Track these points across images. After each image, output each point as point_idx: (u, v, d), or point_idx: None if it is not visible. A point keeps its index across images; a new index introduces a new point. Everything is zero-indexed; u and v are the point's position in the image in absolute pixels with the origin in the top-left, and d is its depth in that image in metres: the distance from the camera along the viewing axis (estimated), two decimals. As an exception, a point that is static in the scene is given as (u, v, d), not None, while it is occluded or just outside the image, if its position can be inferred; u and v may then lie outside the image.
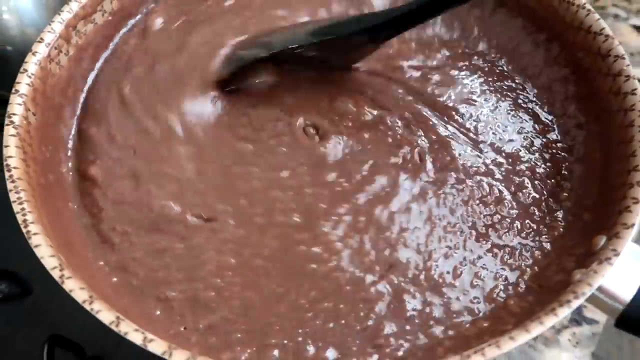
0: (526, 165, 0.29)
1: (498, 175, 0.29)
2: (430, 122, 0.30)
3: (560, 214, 0.27)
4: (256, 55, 0.30)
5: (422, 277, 0.25)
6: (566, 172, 0.29)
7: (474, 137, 0.30)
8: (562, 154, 0.30)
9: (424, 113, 0.30)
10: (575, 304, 0.20)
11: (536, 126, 0.31)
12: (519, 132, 0.30)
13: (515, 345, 0.19)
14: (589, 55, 0.30)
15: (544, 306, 0.21)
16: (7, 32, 0.37)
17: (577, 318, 0.36)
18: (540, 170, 0.29)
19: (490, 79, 0.33)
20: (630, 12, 0.53)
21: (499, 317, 0.23)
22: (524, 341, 0.19)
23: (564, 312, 0.20)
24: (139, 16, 0.34)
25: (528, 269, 0.25)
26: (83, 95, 0.32)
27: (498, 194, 0.28)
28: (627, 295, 0.21)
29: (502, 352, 0.19)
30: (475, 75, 0.33)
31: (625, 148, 0.26)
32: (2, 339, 0.35)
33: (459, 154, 0.29)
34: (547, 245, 0.27)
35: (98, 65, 0.33)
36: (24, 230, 0.22)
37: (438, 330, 0.24)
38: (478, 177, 0.28)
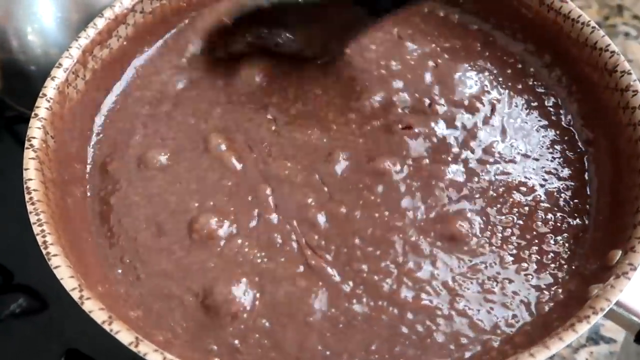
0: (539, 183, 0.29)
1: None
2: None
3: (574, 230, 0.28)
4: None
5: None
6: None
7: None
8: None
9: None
10: (594, 319, 0.20)
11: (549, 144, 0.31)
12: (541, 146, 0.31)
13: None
14: (596, 71, 0.30)
15: (563, 322, 0.21)
16: (31, 52, 0.38)
17: (595, 337, 0.36)
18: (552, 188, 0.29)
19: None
20: (641, 29, 0.54)
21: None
22: (543, 358, 0.19)
23: (583, 328, 0.20)
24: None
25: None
26: (100, 119, 0.32)
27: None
28: (645, 310, 0.21)
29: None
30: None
31: (635, 162, 0.26)
32: (19, 352, 0.35)
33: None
34: (563, 262, 0.27)
35: (114, 89, 0.33)
36: (44, 252, 0.23)
37: (470, 346, 0.24)
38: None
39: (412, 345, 0.23)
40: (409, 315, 0.24)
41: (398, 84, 0.33)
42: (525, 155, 0.30)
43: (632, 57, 0.52)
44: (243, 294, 0.25)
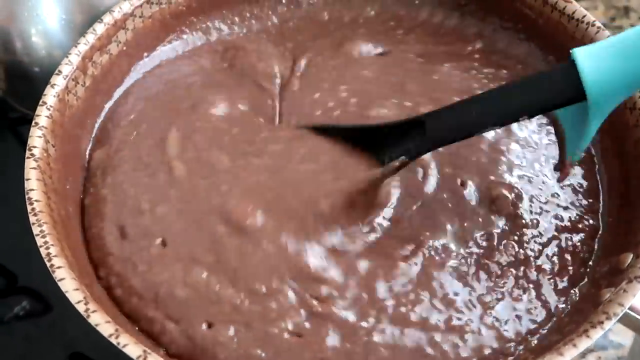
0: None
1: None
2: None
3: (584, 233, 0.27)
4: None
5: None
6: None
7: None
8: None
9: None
10: (608, 325, 0.20)
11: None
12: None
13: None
14: (602, 71, 0.30)
15: (576, 327, 0.20)
16: (35, 54, 0.38)
17: (603, 341, 0.36)
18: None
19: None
20: (648, 31, 0.54)
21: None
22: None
23: (597, 334, 0.20)
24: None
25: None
26: (101, 125, 0.32)
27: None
28: (659, 314, 0.21)
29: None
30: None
31: (643, 163, 0.26)
32: (23, 355, 0.35)
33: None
34: (577, 264, 0.26)
35: (115, 94, 0.33)
36: (48, 264, 0.22)
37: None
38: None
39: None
40: (437, 337, 0.24)
41: None
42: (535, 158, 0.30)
43: None
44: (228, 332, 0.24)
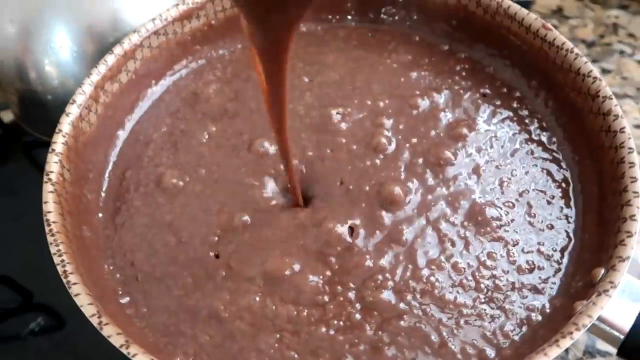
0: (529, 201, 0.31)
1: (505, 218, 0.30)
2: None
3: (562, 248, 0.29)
4: None
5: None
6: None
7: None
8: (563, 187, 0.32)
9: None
10: (577, 335, 0.22)
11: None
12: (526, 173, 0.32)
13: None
14: (580, 95, 0.32)
15: (548, 337, 0.22)
16: (48, 83, 0.40)
17: (591, 350, 0.37)
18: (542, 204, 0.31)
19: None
20: (636, 48, 0.56)
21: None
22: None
23: (566, 343, 0.21)
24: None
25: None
26: (114, 150, 0.34)
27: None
28: (626, 325, 0.23)
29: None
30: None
31: (617, 184, 0.27)
32: None
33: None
34: (553, 279, 0.28)
35: (125, 121, 0.35)
36: (64, 280, 0.24)
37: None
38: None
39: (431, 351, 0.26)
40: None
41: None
42: (512, 176, 0.32)
43: (628, 75, 0.54)
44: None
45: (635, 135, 0.49)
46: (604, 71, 0.54)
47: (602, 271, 0.24)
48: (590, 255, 0.27)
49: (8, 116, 0.51)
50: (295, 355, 0.26)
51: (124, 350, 0.22)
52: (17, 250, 0.43)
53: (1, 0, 0.39)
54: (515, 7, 0.35)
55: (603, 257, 0.25)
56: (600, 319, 0.23)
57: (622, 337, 0.23)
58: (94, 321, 0.23)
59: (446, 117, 0.34)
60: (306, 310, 0.27)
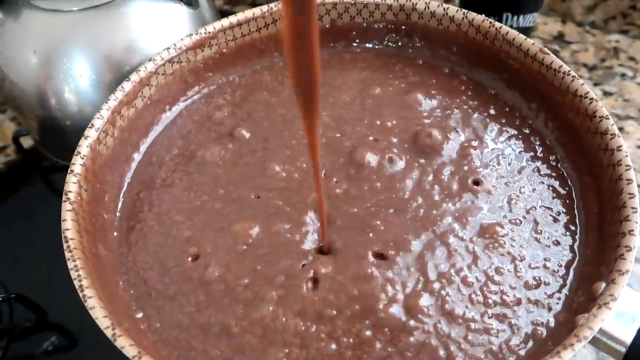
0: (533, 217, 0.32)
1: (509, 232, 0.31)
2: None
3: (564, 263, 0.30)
4: None
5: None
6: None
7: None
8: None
9: None
10: (578, 346, 0.22)
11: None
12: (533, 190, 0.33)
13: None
14: (578, 116, 0.33)
15: (552, 349, 0.23)
16: (67, 109, 0.42)
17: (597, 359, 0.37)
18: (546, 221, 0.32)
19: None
20: (637, 71, 0.57)
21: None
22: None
23: (567, 355, 0.22)
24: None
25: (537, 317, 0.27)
26: (129, 172, 0.36)
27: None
28: (627, 338, 0.23)
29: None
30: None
31: (616, 200, 0.28)
32: None
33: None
34: (558, 294, 0.28)
35: (140, 144, 0.37)
36: (80, 294, 0.25)
37: None
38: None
39: None
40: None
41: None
42: (520, 193, 0.33)
43: (629, 97, 0.55)
44: None
45: (639, 155, 0.50)
46: (606, 94, 0.55)
47: (603, 285, 0.25)
48: (592, 270, 0.27)
49: (27, 142, 0.53)
50: None
51: (136, 362, 0.23)
52: (32, 271, 0.44)
53: (26, 33, 0.42)
54: (514, 33, 0.37)
55: (604, 272, 0.26)
56: (601, 331, 0.23)
57: (624, 350, 0.23)
58: (108, 333, 0.24)
59: (458, 135, 0.35)
60: (315, 326, 0.27)
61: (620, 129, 0.52)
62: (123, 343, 0.23)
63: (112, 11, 0.42)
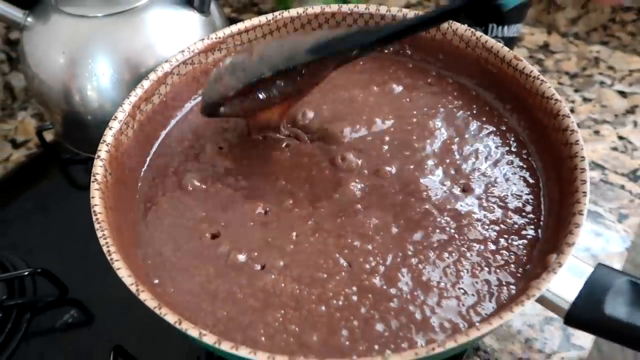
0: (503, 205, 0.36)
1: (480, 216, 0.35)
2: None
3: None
4: (262, 74, 0.35)
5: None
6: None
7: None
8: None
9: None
10: (527, 303, 0.26)
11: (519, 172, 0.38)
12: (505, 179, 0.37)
13: (481, 334, 0.25)
14: (546, 115, 0.37)
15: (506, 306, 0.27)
16: (89, 105, 0.46)
17: (566, 344, 0.41)
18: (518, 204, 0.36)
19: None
20: (615, 79, 0.61)
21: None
22: (487, 331, 0.25)
23: (517, 309, 0.26)
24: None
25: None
26: (147, 161, 0.40)
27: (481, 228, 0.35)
28: (570, 297, 0.27)
29: (469, 339, 0.25)
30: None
31: (572, 186, 0.32)
32: (74, 351, 0.42)
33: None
34: (521, 268, 0.33)
35: (157, 137, 0.42)
36: (108, 258, 0.30)
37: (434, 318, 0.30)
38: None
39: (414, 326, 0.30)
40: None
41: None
42: (496, 183, 0.37)
43: (607, 103, 0.59)
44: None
45: (613, 156, 0.54)
46: (585, 100, 0.60)
47: (555, 256, 0.29)
48: (549, 247, 0.32)
49: (49, 136, 0.57)
50: (296, 329, 0.31)
51: (157, 311, 0.27)
52: (58, 248, 0.48)
53: (55, 36, 0.46)
54: (492, 41, 0.41)
55: (556, 246, 0.30)
56: (550, 292, 0.27)
57: (567, 307, 0.27)
58: (133, 289, 0.28)
59: (442, 133, 0.40)
60: (307, 289, 0.32)
61: (597, 132, 0.56)
62: (145, 297, 0.28)
63: (132, 17, 0.46)
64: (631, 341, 0.26)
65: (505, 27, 0.54)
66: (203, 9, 0.48)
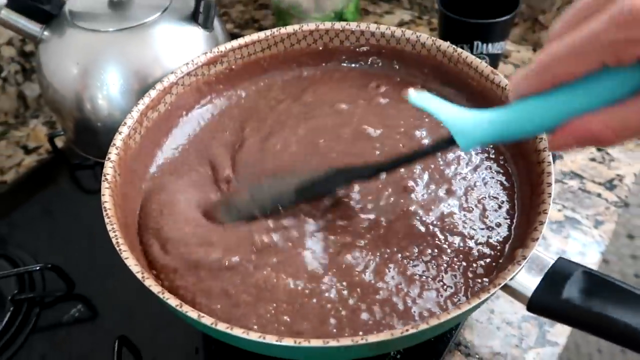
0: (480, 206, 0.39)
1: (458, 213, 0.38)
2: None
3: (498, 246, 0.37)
4: (252, 213, 0.38)
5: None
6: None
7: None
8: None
9: None
10: (493, 290, 0.29)
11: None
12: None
13: (448, 318, 0.28)
14: (519, 125, 0.41)
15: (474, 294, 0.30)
16: (99, 112, 0.50)
17: (542, 340, 0.44)
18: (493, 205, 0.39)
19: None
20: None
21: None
22: (455, 314, 0.28)
23: (484, 296, 0.29)
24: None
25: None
26: (152, 165, 0.44)
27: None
28: (532, 286, 0.30)
29: (440, 322, 0.28)
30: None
31: (539, 188, 0.35)
32: (80, 344, 0.44)
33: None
34: (494, 263, 0.36)
35: (162, 142, 0.45)
36: (117, 249, 0.33)
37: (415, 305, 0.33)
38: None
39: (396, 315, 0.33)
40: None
41: None
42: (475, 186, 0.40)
43: None
44: None
45: (591, 167, 0.57)
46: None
47: (519, 250, 0.32)
48: (519, 244, 0.35)
49: (60, 142, 0.61)
50: (288, 319, 0.34)
51: (160, 295, 0.30)
52: (66, 247, 0.51)
53: (69, 48, 0.50)
54: (472, 57, 0.45)
55: (523, 242, 0.33)
56: (515, 282, 0.30)
57: (529, 295, 0.30)
58: (139, 276, 0.31)
59: (427, 140, 0.43)
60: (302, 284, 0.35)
61: None
62: (150, 283, 0.31)
63: (141, 32, 0.50)
64: (586, 324, 0.28)
65: (490, 45, 0.58)
66: (207, 25, 0.52)
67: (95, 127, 0.51)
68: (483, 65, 0.44)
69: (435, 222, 0.38)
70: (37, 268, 0.47)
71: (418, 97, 0.30)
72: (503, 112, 0.28)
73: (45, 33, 0.51)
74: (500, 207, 0.39)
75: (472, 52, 0.57)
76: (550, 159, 0.36)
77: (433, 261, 0.36)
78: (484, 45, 0.58)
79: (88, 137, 0.53)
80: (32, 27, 0.51)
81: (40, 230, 0.53)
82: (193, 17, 0.51)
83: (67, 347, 0.44)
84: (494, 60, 0.60)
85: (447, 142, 0.30)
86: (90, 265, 0.48)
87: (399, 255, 0.36)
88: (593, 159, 0.57)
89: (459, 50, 0.45)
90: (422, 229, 0.37)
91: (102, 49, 0.49)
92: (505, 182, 0.41)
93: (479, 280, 0.34)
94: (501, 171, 0.41)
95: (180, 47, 0.50)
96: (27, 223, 0.54)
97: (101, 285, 0.47)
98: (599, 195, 0.53)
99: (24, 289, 0.48)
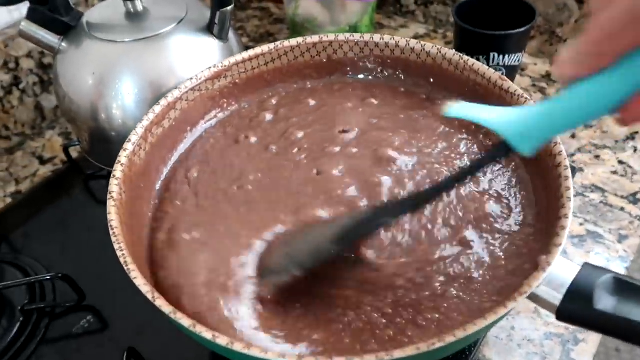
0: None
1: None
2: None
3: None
4: (289, 272, 0.34)
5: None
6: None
7: None
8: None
9: None
10: (520, 299, 0.28)
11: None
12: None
13: (474, 330, 0.27)
14: (531, 130, 0.40)
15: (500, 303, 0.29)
16: (114, 122, 0.50)
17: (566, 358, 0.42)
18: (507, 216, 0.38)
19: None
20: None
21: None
22: (483, 325, 0.27)
23: (510, 305, 0.28)
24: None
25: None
26: (159, 180, 0.43)
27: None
28: (560, 294, 0.29)
29: (459, 338, 0.26)
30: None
31: (557, 193, 0.35)
32: (89, 355, 0.43)
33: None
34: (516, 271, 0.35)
35: (169, 159, 0.44)
36: (125, 268, 0.31)
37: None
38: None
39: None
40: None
41: None
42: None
43: (607, 129, 0.59)
44: None
45: (613, 180, 0.55)
46: (587, 126, 0.61)
47: (544, 257, 0.31)
48: (540, 250, 0.34)
49: (74, 153, 0.60)
50: None
51: (172, 316, 0.29)
52: (77, 258, 0.50)
53: (85, 58, 0.50)
54: (478, 64, 0.44)
55: (546, 248, 0.32)
56: (541, 290, 0.29)
57: (557, 303, 0.29)
58: (149, 296, 0.30)
59: (437, 148, 0.42)
60: None
61: (597, 157, 0.57)
62: (160, 303, 0.30)
63: (157, 42, 0.49)
64: (618, 332, 0.27)
65: (507, 56, 0.57)
66: (222, 36, 0.52)
67: (110, 137, 0.50)
68: (490, 72, 0.43)
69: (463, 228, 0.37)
70: (48, 277, 0.46)
71: (456, 108, 0.29)
72: (559, 102, 0.26)
73: (63, 44, 0.52)
74: (519, 214, 0.38)
75: (488, 64, 0.56)
76: (567, 162, 0.35)
77: (448, 264, 0.35)
78: (501, 57, 0.57)
79: (102, 147, 0.52)
80: (50, 38, 0.51)
81: (53, 240, 0.52)
82: (208, 28, 0.51)
83: (76, 359, 0.43)
84: (511, 72, 0.59)
85: (501, 150, 0.28)
86: (102, 276, 0.47)
87: (421, 263, 0.35)
88: (614, 172, 0.56)
89: (465, 57, 0.45)
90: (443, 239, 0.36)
91: (118, 59, 0.49)
92: (521, 190, 0.40)
93: (502, 287, 0.33)
94: (514, 178, 0.40)
95: (195, 58, 0.50)
96: (41, 233, 0.53)
97: (112, 297, 0.46)
98: (622, 209, 0.52)
99: (34, 299, 0.47)
